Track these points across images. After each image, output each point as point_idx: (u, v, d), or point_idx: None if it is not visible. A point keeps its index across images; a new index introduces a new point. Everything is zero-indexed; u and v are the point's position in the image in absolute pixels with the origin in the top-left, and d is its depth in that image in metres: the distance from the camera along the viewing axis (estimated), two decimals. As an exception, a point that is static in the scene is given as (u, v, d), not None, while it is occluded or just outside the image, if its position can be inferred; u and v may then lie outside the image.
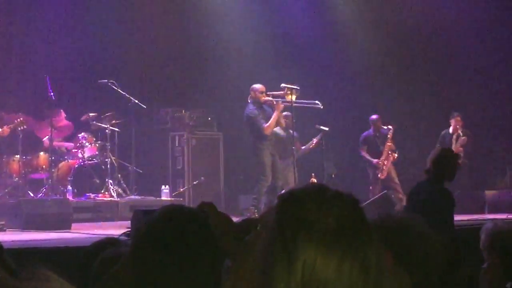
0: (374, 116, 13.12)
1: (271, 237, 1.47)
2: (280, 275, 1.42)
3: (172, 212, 2.26)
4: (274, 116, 11.23)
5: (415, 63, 15.05)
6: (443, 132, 13.43)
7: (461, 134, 13.16)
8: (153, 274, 2.11)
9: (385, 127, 12.97)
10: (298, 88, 11.23)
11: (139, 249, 2.17)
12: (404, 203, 12.24)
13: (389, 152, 12.92)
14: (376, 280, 1.44)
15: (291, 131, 11.57)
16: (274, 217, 1.49)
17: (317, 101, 11.54)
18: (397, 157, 13.03)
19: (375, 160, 12.88)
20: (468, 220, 9.27)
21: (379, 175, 12.79)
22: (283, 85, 11.24)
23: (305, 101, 11.57)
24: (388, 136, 12.91)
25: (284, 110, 11.52)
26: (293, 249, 1.43)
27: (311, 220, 1.45)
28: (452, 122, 13.29)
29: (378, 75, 14.87)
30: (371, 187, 12.83)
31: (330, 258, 1.41)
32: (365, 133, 13.18)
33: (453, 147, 13.08)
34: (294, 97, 11.15)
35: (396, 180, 12.86)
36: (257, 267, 1.49)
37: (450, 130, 13.33)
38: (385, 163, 12.85)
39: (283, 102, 11.25)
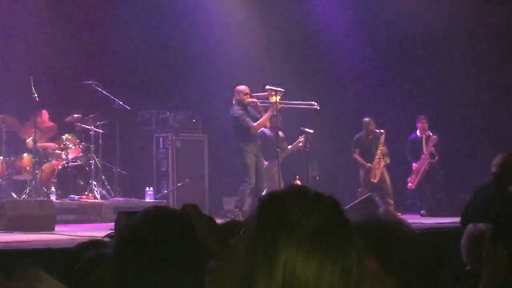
0: (366, 119, 13.14)
1: (252, 239, 1.47)
2: (260, 277, 1.42)
3: (155, 213, 2.27)
4: (266, 116, 11.21)
5: (396, 66, 15.10)
6: (411, 137, 13.49)
7: (430, 134, 13.25)
8: (136, 275, 2.11)
9: (378, 131, 13.02)
10: (283, 90, 11.22)
11: (122, 250, 2.17)
12: (392, 208, 12.36)
13: (381, 157, 12.96)
14: (357, 283, 1.44)
15: (277, 132, 11.58)
16: (255, 219, 1.49)
17: (313, 102, 11.51)
18: (389, 162, 13.08)
19: (368, 164, 12.92)
20: (450, 222, 9.31)
21: (371, 179, 12.82)
22: (267, 87, 11.24)
23: (301, 102, 11.56)
24: (381, 140, 12.96)
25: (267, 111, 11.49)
26: (274, 251, 1.43)
27: (292, 222, 1.45)
28: (419, 125, 13.36)
29: (365, 78, 14.92)
30: (360, 189, 12.86)
31: (311, 260, 1.42)
32: (357, 135, 13.22)
33: (424, 149, 13.19)
34: (278, 98, 11.14)
35: (389, 182, 12.91)
36: (238, 268, 1.49)
37: (418, 133, 13.40)
38: (377, 167, 12.90)
39: (269, 103, 11.22)
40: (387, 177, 12.94)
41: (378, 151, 12.92)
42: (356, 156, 13.12)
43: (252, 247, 1.46)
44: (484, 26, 14.54)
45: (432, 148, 13.20)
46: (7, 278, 0.98)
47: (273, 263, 1.42)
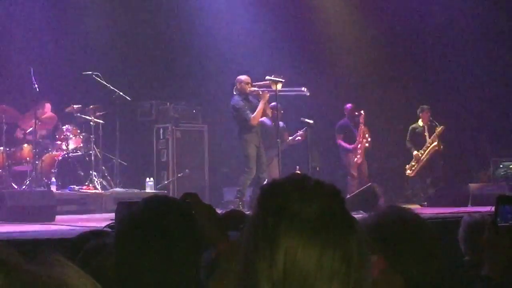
0: (347, 105, 13.31)
1: (253, 227, 1.48)
2: (262, 265, 1.43)
3: (155, 202, 2.27)
4: (260, 106, 11.19)
5: (399, 58, 15.11)
6: (412, 126, 13.51)
7: (436, 124, 13.28)
8: (136, 264, 2.11)
9: (356, 113, 13.15)
10: (283, 80, 11.20)
11: (123, 239, 2.18)
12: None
13: (362, 139, 13.09)
14: (357, 270, 1.45)
15: (278, 122, 11.57)
16: (256, 207, 1.49)
17: (303, 88, 11.49)
18: (369, 142, 13.17)
19: (351, 146, 13.06)
20: (451, 213, 9.31)
21: (355, 159, 12.95)
22: (267, 77, 11.22)
23: (291, 88, 11.53)
24: (360, 120, 13.08)
25: (270, 101, 11.51)
26: (275, 239, 1.43)
27: (292, 209, 1.45)
28: (422, 115, 13.39)
29: (364, 69, 14.92)
30: (348, 177, 13.02)
31: (311, 248, 1.42)
32: (340, 122, 13.38)
33: (427, 139, 13.24)
34: (279, 86, 11.13)
35: (365, 165, 13.12)
36: (240, 257, 1.49)
37: (420, 123, 13.42)
38: (359, 146, 13.04)
39: (269, 91, 11.21)
40: (364, 168, 13.12)
41: (360, 131, 13.08)
42: (339, 141, 13.25)
43: (253, 235, 1.47)
44: (493, 18, 14.54)
45: (436, 138, 13.24)
46: (29, 262, 0.98)
47: (274, 250, 1.43)
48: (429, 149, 13.27)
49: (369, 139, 13.20)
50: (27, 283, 0.88)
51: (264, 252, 1.43)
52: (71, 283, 0.91)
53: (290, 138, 12.38)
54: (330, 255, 1.42)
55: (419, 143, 13.36)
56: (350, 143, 13.18)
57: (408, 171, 13.41)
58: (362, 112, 13.12)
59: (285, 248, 1.42)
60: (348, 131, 13.27)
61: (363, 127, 13.12)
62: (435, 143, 13.20)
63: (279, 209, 1.46)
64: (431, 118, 13.33)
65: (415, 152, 13.36)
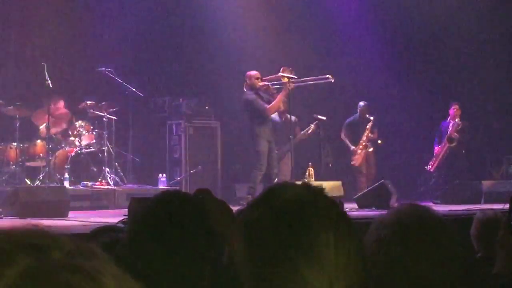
0: (361, 103, 13.28)
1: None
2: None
3: (169, 197, 2.28)
4: (279, 97, 11.14)
5: (417, 53, 15.09)
6: (442, 123, 13.58)
7: (457, 121, 13.32)
8: (149, 259, 2.12)
9: (367, 116, 13.15)
10: (295, 77, 11.19)
11: (136, 234, 2.19)
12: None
13: (366, 143, 13.09)
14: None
15: (290, 117, 11.54)
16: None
17: (328, 75, 11.41)
18: (372, 150, 13.17)
19: (352, 147, 13.07)
20: (463, 210, 9.29)
21: (352, 162, 12.96)
22: (280, 73, 11.19)
23: (315, 77, 11.47)
24: (367, 127, 13.08)
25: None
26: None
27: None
28: (450, 111, 13.45)
29: (379, 64, 14.88)
30: (356, 173, 13.09)
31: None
32: (349, 118, 13.38)
33: (450, 133, 13.29)
34: (291, 83, 11.12)
35: (373, 169, 13.06)
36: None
37: (448, 119, 13.48)
38: (358, 151, 13.04)
39: (280, 84, 11.18)
40: (372, 163, 13.09)
41: (364, 137, 13.06)
42: (343, 137, 13.25)
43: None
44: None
45: (455, 134, 13.27)
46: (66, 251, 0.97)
47: None
48: (445, 145, 13.34)
49: (370, 148, 13.15)
50: (57, 271, 0.88)
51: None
52: (105, 281, 0.91)
53: (301, 132, 12.38)
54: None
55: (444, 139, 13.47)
56: (354, 141, 13.18)
57: (429, 166, 13.50)
58: (371, 118, 13.10)
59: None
60: (354, 129, 13.26)
61: (367, 134, 13.09)
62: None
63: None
64: (456, 115, 13.37)
65: (436, 148, 13.45)
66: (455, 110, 13.38)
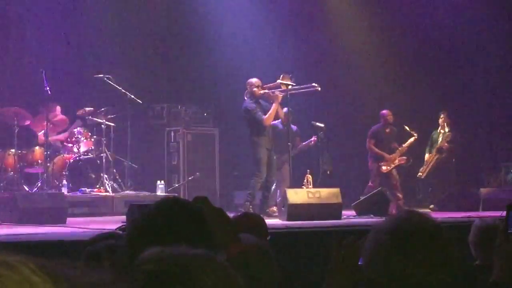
0: (384, 111, 13.12)
1: None
2: None
3: (167, 204, 2.28)
4: (274, 107, 11.14)
5: (411, 61, 15.12)
6: (433, 132, 13.56)
7: (447, 131, 13.30)
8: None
9: (408, 130, 13.06)
10: (294, 84, 11.19)
11: (135, 241, 2.19)
12: (401, 202, 12.38)
13: (401, 155, 13.00)
14: None
15: (290, 126, 11.53)
16: None
17: (314, 84, 11.36)
18: (404, 162, 13.06)
19: (386, 155, 12.91)
20: (462, 217, 9.30)
21: (383, 168, 12.81)
22: (278, 81, 11.20)
23: (301, 86, 11.43)
24: (409, 140, 13.00)
25: (282, 104, 11.44)
26: None
27: None
28: (439, 120, 13.43)
29: (377, 72, 14.90)
30: (370, 183, 12.83)
31: None
32: (374, 127, 13.15)
33: (440, 144, 13.27)
34: (289, 87, 11.13)
35: (397, 177, 12.90)
36: None
37: (439, 129, 13.47)
38: (395, 162, 12.90)
39: (280, 91, 11.18)
40: (395, 172, 12.94)
41: (401, 148, 12.96)
42: (371, 146, 13.05)
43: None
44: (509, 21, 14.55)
45: (446, 144, 13.24)
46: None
47: None
48: (435, 154, 13.34)
49: (401, 161, 13.06)
50: None
51: None
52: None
53: (303, 144, 12.36)
54: None
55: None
56: (381, 150, 13.07)
57: (420, 174, 13.45)
58: (415, 135, 13.06)
59: None
60: (380, 138, 13.11)
61: (405, 146, 13.06)
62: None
63: None
64: (443, 123, 13.36)
65: (426, 156, 13.43)
66: (443, 118, 13.37)
